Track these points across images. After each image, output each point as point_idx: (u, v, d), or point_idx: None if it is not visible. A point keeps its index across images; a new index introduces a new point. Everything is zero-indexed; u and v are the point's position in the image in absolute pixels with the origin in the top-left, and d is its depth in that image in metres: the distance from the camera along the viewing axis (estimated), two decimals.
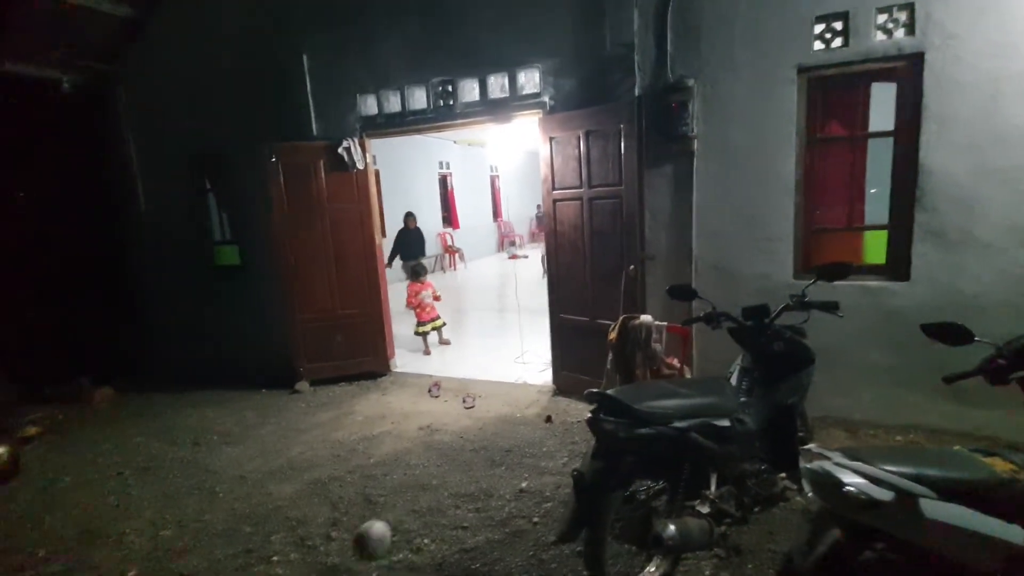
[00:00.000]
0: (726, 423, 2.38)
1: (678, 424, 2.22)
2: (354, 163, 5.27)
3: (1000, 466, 1.61)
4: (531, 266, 13.29)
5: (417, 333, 6.35)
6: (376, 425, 4.52)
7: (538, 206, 19.12)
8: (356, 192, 5.40)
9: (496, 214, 17.38)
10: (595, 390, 2.24)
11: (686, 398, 2.34)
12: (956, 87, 3.38)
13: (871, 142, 3.85)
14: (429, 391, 5.17)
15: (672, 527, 2.18)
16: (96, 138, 6.54)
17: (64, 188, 6.16)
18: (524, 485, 3.42)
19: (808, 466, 1.68)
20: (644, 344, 3.45)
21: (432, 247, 12.13)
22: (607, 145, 4.16)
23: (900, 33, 3.48)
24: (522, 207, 18.69)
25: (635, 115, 4.02)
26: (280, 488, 3.59)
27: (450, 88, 4.88)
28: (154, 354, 6.49)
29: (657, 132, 4.05)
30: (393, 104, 5.13)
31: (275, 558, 2.87)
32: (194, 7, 5.83)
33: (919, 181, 3.54)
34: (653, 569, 2.39)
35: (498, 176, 17.45)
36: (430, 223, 12.86)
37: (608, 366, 3.69)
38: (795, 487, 2.93)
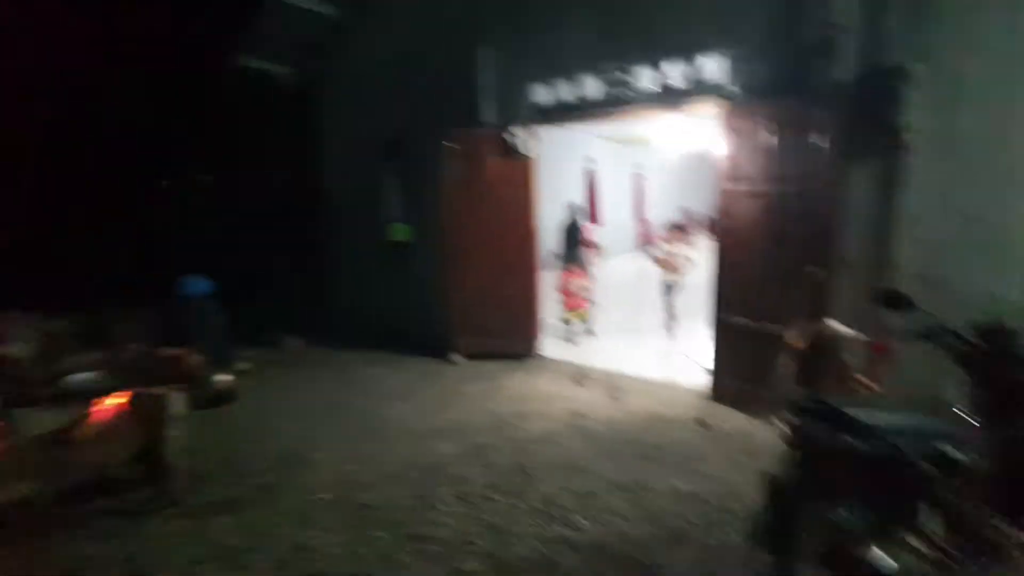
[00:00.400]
0: (953, 451, 2.08)
1: (898, 442, 1.99)
2: (521, 150, 5.47)
3: None
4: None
5: (563, 320, 6.43)
6: (524, 402, 4.68)
7: (682, 209, 18.27)
8: (520, 178, 5.61)
9: (638, 213, 16.93)
10: (806, 396, 2.09)
11: (908, 416, 2.08)
12: None
13: None
14: (574, 378, 5.22)
15: (891, 561, 1.95)
16: (303, 127, 7.57)
17: (278, 171, 7.24)
18: (679, 485, 3.31)
19: None
20: (836, 356, 3.13)
21: None
22: (800, 137, 3.82)
23: None
24: (664, 208, 17.98)
25: (841, 104, 3.63)
26: (442, 445, 3.88)
27: (624, 76, 4.83)
28: (334, 315, 7.38)
29: (865, 124, 3.63)
30: (564, 92, 5.22)
31: (441, 507, 3.12)
32: (390, 5, 6.45)
33: None
34: None
35: (643, 175, 16.97)
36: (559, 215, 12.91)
37: (785, 374, 3.40)
38: None
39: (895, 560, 1.96)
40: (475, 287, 5.77)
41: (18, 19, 6.66)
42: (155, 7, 7.18)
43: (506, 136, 5.39)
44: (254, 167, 7.06)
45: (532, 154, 5.57)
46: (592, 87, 5.01)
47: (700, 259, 6.07)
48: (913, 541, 2.09)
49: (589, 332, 6.58)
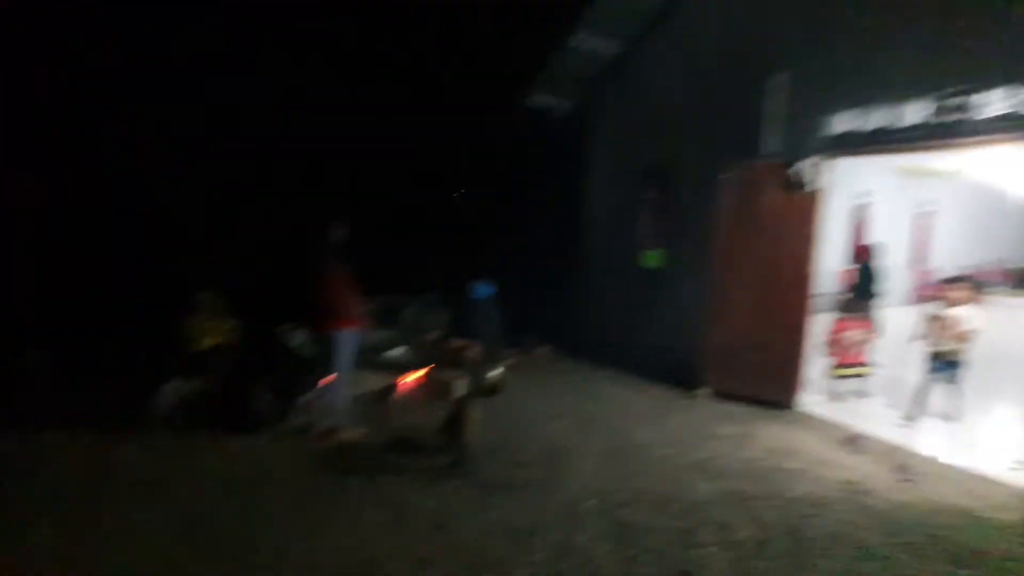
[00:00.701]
0: None
1: None
2: (804, 184, 5.05)
3: None
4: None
5: (832, 376, 5.65)
6: (784, 459, 4.27)
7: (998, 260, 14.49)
8: (802, 215, 5.17)
9: (917, 259, 14.06)
10: None
11: None
12: None
13: None
14: (843, 443, 4.58)
15: None
16: (572, 156, 8.24)
17: (549, 196, 8.02)
18: None
19: None
20: None
21: (828, 284, 10.71)
22: None
23: None
24: (954, 254, 14.56)
25: None
26: (699, 484, 3.78)
27: (964, 100, 4.09)
28: (580, 331, 7.82)
29: None
30: (875, 120, 4.64)
31: (707, 548, 3.04)
32: (674, 39, 6.61)
33: None
34: None
35: (932, 212, 14.04)
36: (832, 258, 11.35)
37: None
38: None
39: None
40: (735, 323, 5.50)
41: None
42: (457, 52, 8.65)
43: (791, 169, 5.04)
44: (530, 192, 7.97)
45: (818, 189, 5.10)
46: (916, 113, 4.37)
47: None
48: None
49: (861, 393, 5.69)
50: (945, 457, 4.35)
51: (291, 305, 4.91)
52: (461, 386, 5.26)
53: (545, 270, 7.95)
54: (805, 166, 5.01)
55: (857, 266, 6.25)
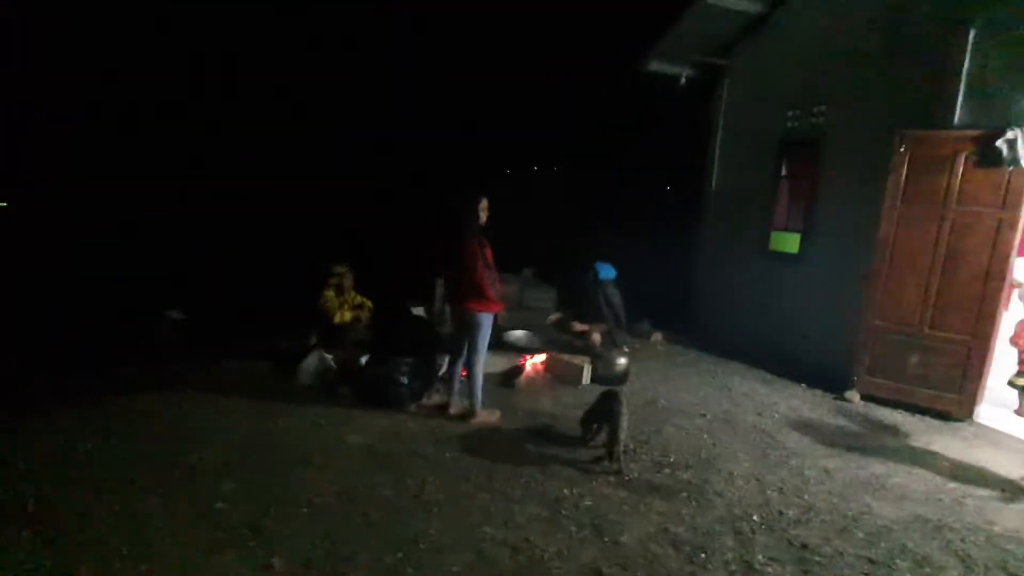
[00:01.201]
0: None
1: None
2: (1016, 159, 4.23)
3: None
4: None
5: (1012, 384, 4.88)
6: (976, 483, 3.68)
7: None
8: (1000, 196, 4.38)
9: None
10: None
11: None
12: None
13: None
14: None
15: None
16: (698, 125, 7.61)
17: (670, 171, 7.49)
18: None
19: None
20: None
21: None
22: None
23: None
24: None
25: None
26: (881, 506, 3.32)
27: None
28: (699, 316, 7.34)
29: None
30: None
31: None
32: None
33: None
34: None
35: None
36: None
37: None
38: None
39: None
40: (896, 318, 4.85)
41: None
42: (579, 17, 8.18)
43: (998, 141, 4.24)
44: (650, 166, 7.49)
45: (1021, 165, 4.27)
46: None
47: None
48: None
49: None
50: None
51: (424, 283, 4.93)
52: (585, 373, 5.07)
53: (663, 251, 7.47)
54: (1015, 137, 4.19)
55: None
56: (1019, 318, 4.76)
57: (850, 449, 4.08)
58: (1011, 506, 3.43)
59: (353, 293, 5.25)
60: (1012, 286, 4.85)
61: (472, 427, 4.06)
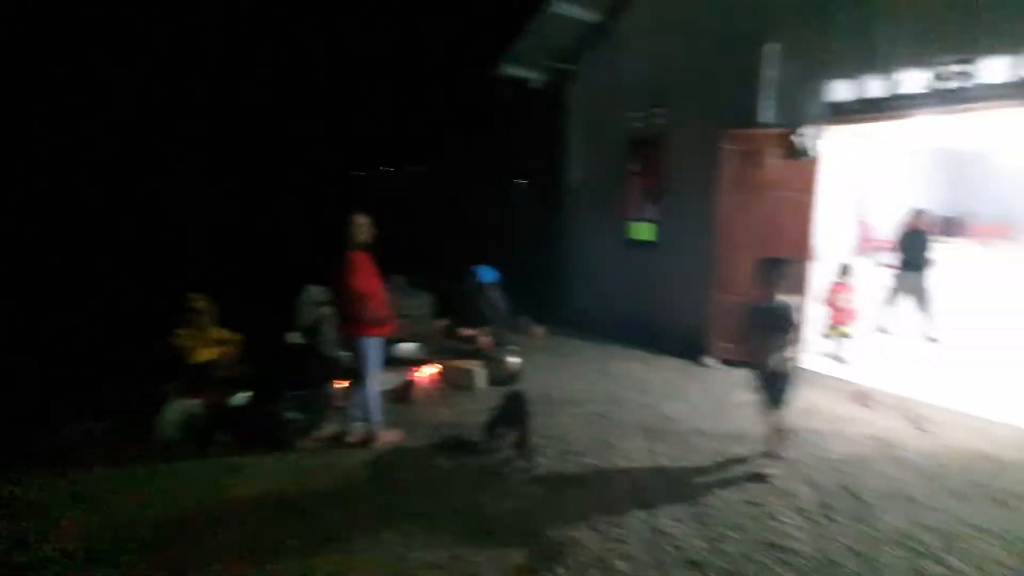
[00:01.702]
0: None
1: None
2: (807, 151, 5.17)
3: None
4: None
5: (828, 335, 5.91)
6: (809, 419, 4.45)
7: (915, 210, 15.66)
8: (801, 181, 5.31)
9: (860, 213, 15.03)
10: None
11: None
12: None
13: None
14: (855, 398, 4.85)
15: None
16: (549, 127, 8.04)
17: (529, 172, 7.80)
18: None
19: None
20: None
21: None
22: None
23: None
24: (894, 209, 15.68)
25: None
26: (742, 450, 3.87)
27: (964, 67, 4.26)
28: (573, 307, 7.78)
29: None
30: (872, 88, 4.79)
31: (783, 519, 3.11)
32: (656, 7, 6.50)
33: None
34: None
35: (870, 170, 14.97)
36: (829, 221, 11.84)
37: None
38: None
39: None
40: (736, 291, 5.62)
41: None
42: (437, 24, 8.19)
43: (793, 137, 5.13)
44: (513, 167, 7.74)
45: (817, 155, 5.23)
46: (915, 82, 4.53)
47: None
48: None
49: (838, 359, 5.82)
50: (948, 404, 4.71)
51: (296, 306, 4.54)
52: (480, 377, 5.12)
53: (534, 246, 7.80)
54: (806, 133, 5.10)
55: (905, 232, 6.53)
56: (829, 281, 5.82)
57: (715, 409, 4.68)
58: (839, 435, 4.20)
59: (214, 327, 4.67)
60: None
61: (375, 451, 3.88)
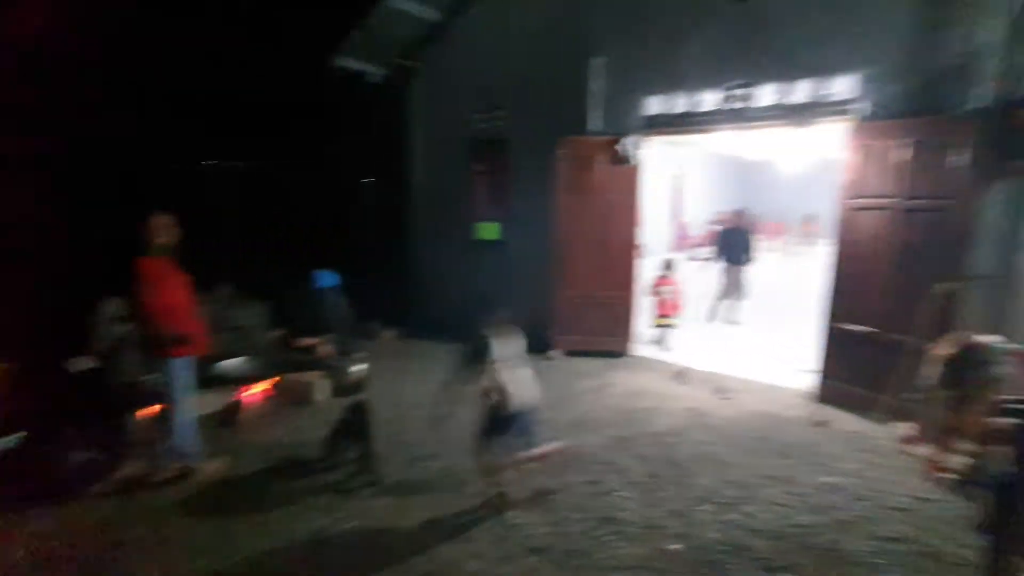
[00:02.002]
0: None
1: None
2: (630, 158, 5.71)
3: None
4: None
5: (654, 325, 6.46)
6: (640, 399, 4.94)
7: (721, 213, 18.38)
8: (626, 185, 5.85)
9: (676, 214, 17.17)
10: (1012, 398, 2.34)
11: None
12: None
13: None
14: (676, 377, 5.48)
15: None
16: (391, 124, 7.81)
17: (372, 170, 7.48)
18: (827, 480, 3.56)
19: None
20: (984, 366, 3.37)
21: None
22: (935, 157, 4.04)
23: None
24: (702, 210, 18.20)
25: (978, 128, 3.86)
26: (587, 437, 4.14)
27: (746, 92, 5.05)
28: (423, 309, 7.63)
29: (1000, 148, 3.85)
30: (680, 105, 5.44)
31: (617, 494, 3.39)
32: (494, 12, 6.67)
33: None
34: None
35: (683, 175, 17.18)
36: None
37: (929, 382, 3.64)
38: None
39: None
40: (577, 286, 6.02)
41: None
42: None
43: (619, 145, 5.62)
44: (354, 166, 7.33)
45: (638, 162, 5.80)
46: (711, 101, 5.24)
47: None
48: None
49: (666, 348, 6.42)
50: (746, 374, 5.55)
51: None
52: (322, 389, 4.78)
53: (379, 249, 7.52)
54: (628, 142, 5.63)
55: (725, 228, 7.30)
56: (654, 276, 6.46)
57: (560, 398, 4.93)
58: (663, 410, 4.71)
59: None
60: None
61: (192, 487, 3.38)
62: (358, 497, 3.29)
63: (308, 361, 5.15)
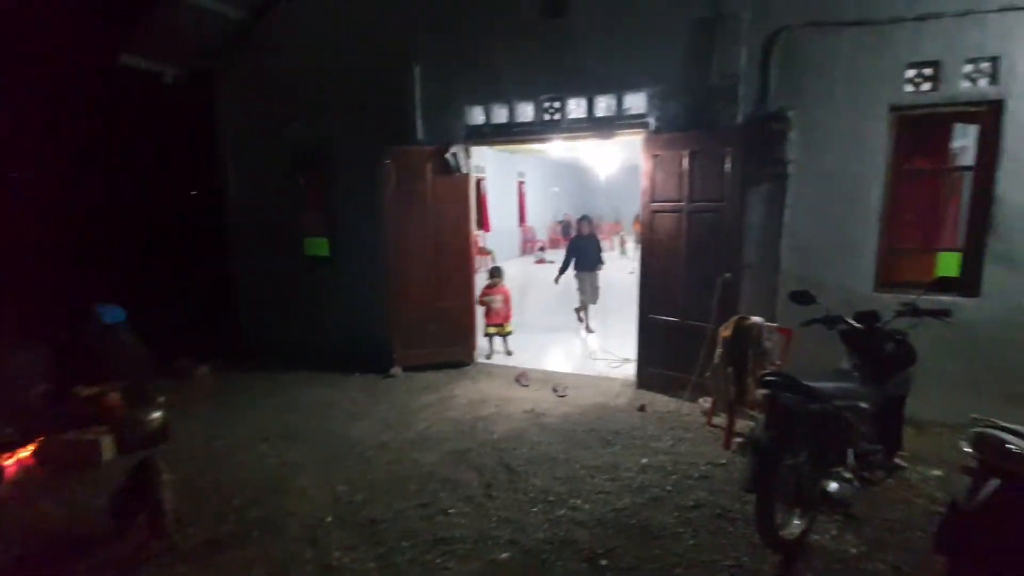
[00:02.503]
0: (865, 406, 2.88)
1: (838, 403, 2.71)
2: (459, 167, 5.74)
3: None
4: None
5: (485, 334, 6.49)
6: (481, 407, 4.97)
7: (566, 214, 19.62)
8: (457, 194, 5.87)
9: (521, 219, 17.87)
10: (774, 371, 2.74)
11: (837, 383, 2.83)
12: None
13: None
14: (517, 380, 5.63)
15: (835, 484, 2.67)
16: (195, 128, 6.95)
17: (165, 174, 6.54)
18: (645, 461, 3.88)
19: (977, 430, 2.17)
20: (756, 342, 3.94)
21: None
22: (710, 165, 4.66)
23: (984, 82, 4.03)
24: (544, 214, 19.20)
25: (740, 140, 4.52)
26: (424, 455, 4.02)
27: (557, 105, 5.36)
28: (249, 337, 6.88)
29: (757, 156, 4.55)
30: (500, 116, 5.61)
31: (450, 511, 3.31)
32: (304, 13, 6.27)
33: (994, 211, 4.08)
34: (798, 522, 2.86)
35: (524, 182, 17.97)
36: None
37: (716, 360, 4.16)
38: (905, 465, 3.44)
39: (842, 486, 2.70)
40: (414, 299, 5.89)
41: None
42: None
43: (447, 154, 5.61)
44: (145, 177, 6.31)
45: (467, 171, 5.85)
46: (528, 112, 5.47)
47: None
48: (843, 472, 2.86)
49: (507, 352, 6.52)
50: (581, 370, 5.89)
51: None
52: (106, 447, 4.04)
53: (186, 273, 6.62)
54: (456, 151, 5.65)
55: (575, 236, 7.45)
56: (482, 285, 6.50)
57: (400, 418, 4.76)
58: (503, 415, 4.77)
59: None
60: (483, 253, 6.62)
61: None
62: (150, 569, 2.79)
63: (91, 414, 4.31)
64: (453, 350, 6.06)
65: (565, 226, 15.50)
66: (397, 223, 5.75)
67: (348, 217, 6.37)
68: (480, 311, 6.31)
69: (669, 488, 3.52)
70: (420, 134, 5.90)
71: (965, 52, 4.03)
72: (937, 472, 3.64)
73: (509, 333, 6.51)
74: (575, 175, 20.81)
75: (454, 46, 5.69)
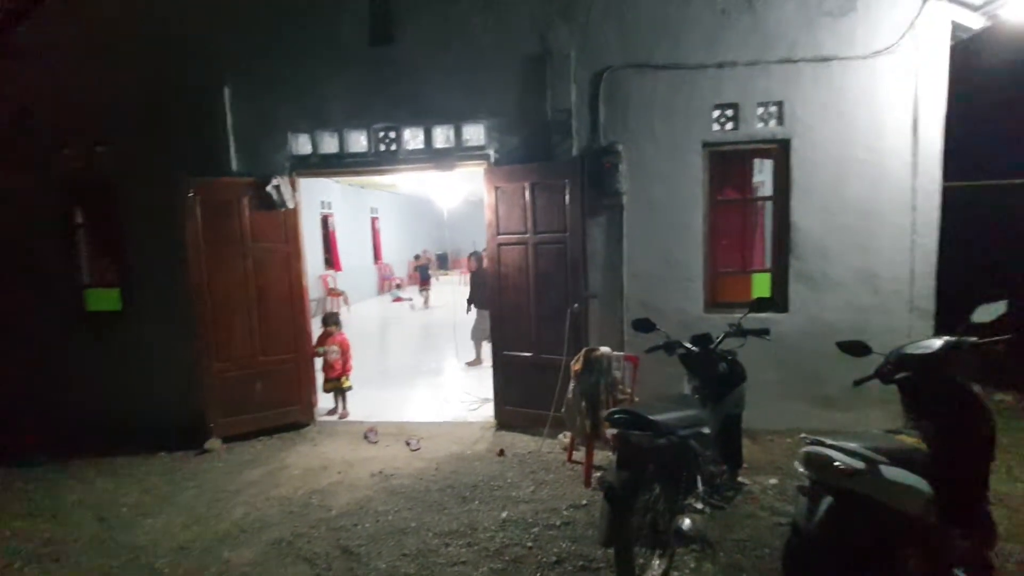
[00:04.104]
0: (707, 431, 2.86)
1: (682, 433, 2.63)
2: (283, 202, 5.06)
3: (908, 440, 2.27)
4: (417, 309, 13.44)
5: (326, 390, 5.61)
6: (320, 477, 4.26)
7: (424, 251, 19.16)
8: (284, 232, 5.16)
9: (376, 256, 17.08)
10: (620, 408, 2.57)
11: (680, 411, 2.76)
12: (812, 166, 4.50)
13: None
14: (366, 437, 4.99)
15: (688, 521, 2.55)
16: None
17: None
18: (504, 515, 3.54)
19: (805, 449, 2.17)
20: (607, 372, 3.87)
21: (313, 290, 11.44)
22: (552, 196, 4.63)
23: (773, 123, 4.55)
24: (400, 250, 18.60)
25: (577, 172, 4.56)
26: (238, 554, 3.22)
27: (393, 135, 5.02)
28: (10, 419, 5.24)
29: (593, 187, 4.64)
30: (330, 145, 5.09)
31: None
32: (84, 21, 5.19)
33: (791, 235, 4.58)
34: (658, 562, 2.71)
35: (378, 218, 17.28)
36: (311, 265, 12.20)
37: (569, 395, 4.01)
38: (747, 482, 3.52)
39: (694, 519, 2.59)
40: (233, 356, 4.98)
41: None
42: None
43: (268, 187, 4.91)
44: None
45: (294, 206, 5.19)
46: (360, 142, 5.03)
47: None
48: (695, 503, 2.79)
49: (343, 414, 5.64)
50: (432, 416, 5.43)
51: None
52: None
53: None
54: (279, 184, 4.98)
55: (472, 274, 7.10)
56: (317, 336, 5.69)
57: (210, 506, 3.85)
58: (345, 483, 4.11)
59: None
60: (335, 294, 5.88)
61: None
62: None
63: None
64: (287, 411, 5.22)
65: (423, 270, 14.90)
66: (207, 267, 4.85)
67: (144, 263, 5.27)
68: (319, 363, 5.57)
69: (530, 544, 3.19)
70: (235, 165, 5.13)
71: (756, 96, 4.53)
72: (773, 480, 3.82)
73: (348, 388, 5.67)
74: (429, 210, 20.63)
75: (273, 70, 5.08)
